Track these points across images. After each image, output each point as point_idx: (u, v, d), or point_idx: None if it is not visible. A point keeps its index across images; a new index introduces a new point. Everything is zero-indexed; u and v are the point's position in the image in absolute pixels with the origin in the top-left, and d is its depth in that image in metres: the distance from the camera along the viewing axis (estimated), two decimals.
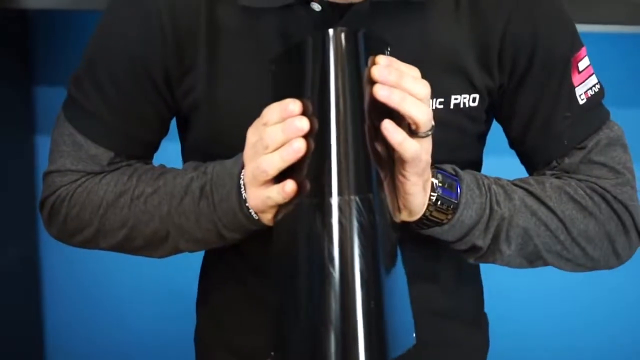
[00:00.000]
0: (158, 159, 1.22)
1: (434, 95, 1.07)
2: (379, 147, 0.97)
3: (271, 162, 0.97)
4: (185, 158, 1.19)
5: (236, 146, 1.05)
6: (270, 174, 0.97)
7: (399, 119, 0.98)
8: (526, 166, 1.22)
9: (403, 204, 1.04)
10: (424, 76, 1.04)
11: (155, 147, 1.20)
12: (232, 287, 1.22)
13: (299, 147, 0.95)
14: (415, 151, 0.98)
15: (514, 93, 1.15)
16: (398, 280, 0.98)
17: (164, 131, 1.18)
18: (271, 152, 0.96)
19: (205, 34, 1.09)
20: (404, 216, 1.05)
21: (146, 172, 1.13)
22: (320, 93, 0.95)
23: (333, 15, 1.08)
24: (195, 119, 1.14)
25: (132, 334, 2.19)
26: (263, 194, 0.99)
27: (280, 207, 1.00)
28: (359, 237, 0.92)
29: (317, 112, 0.95)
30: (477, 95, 1.13)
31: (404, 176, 1.01)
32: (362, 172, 0.95)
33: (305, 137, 0.95)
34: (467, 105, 1.13)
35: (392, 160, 0.99)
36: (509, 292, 2.06)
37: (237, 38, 1.09)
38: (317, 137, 0.95)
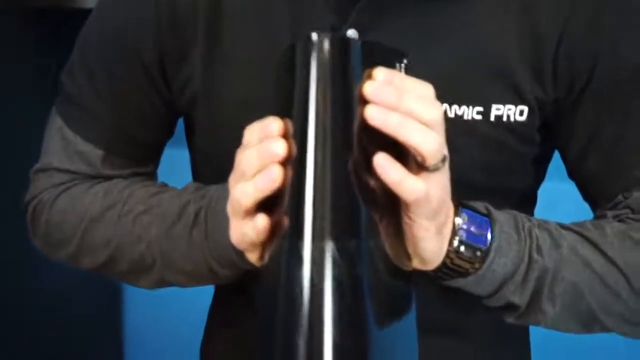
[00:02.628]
0: (164, 169, 1.10)
1: (471, 102, 0.94)
2: (374, 181, 0.80)
3: (245, 190, 0.82)
4: (193, 173, 1.07)
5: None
6: (244, 205, 0.82)
7: (402, 148, 0.81)
8: (588, 202, 1.03)
9: (412, 250, 0.86)
10: (456, 79, 0.92)
11: (154, 151, 1.07)
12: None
13: (273, 176, 0.79)
14: (420, 191, 0.80)
15: (572, 110, 0.97)
16: (399, 341, 0.83)
17: (164, 132, 1.06)
18: (247, 179, 0.82)
19: (205, 16, 0.97)
20: (416, 264, 0.88)
21: (142, 188, 1.02)
22: (301, 113, 0.80)
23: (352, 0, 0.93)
24: (195, 117, 1.01)
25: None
26: (240, 228, 0.84)
27: (264, 246, 0.84)
28: (334, 295, 0.76)
29: (297, 135, 0.80)
30: (525, 108, 0.96)
31: (410, 218, 0.83)
32: (343, 213, 0.78)
33: (286, 164, 0.80)
34: (512, 119, 0.96)
35: (393, 197, 0.82)
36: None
37: (242, 22, 0.97)
38: (295, 167, 0.80)
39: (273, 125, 0.80)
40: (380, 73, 0.80)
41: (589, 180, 1.00)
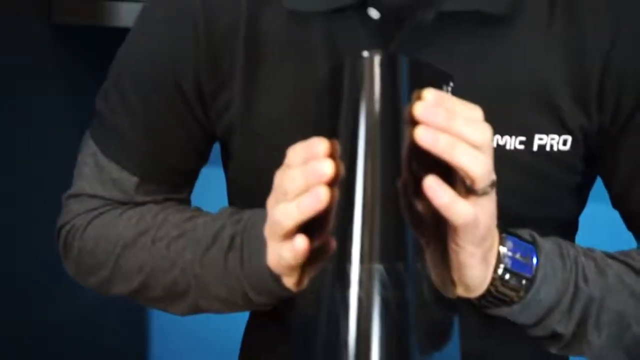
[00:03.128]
0: (200, 189, 1.09)
1: (513, 132, 0.93)
2: (421, 205, 0.79)
3: (286, 212, 0.80)
4: (229, 197, 1.05)
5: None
6: (285, 227, 0.81)
7: (450, 171, 0.81)
8: (632, 231, 1.02)
9: (457, 277, 0.85)
10: (499, 107, 0.90)
11: (191, 178, 1.06)
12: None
13: (319, 197, 0.78)
14: (469, 215, 0.80)
15: (618, 138, 0.96)
16: None
17: (200, 159, 1.05)
18: (290, 200, 0.80)
19: (244, 43, 0.96)
20: (461, 291, 0.87)
21: (175, 213, 1.00)
22: (350, 133, 0.79)
23: (394, 25, 0.92)
24: (232, 145, 1.00)
25: None
26: (278, 251, 0.83)
27: (304, 270, 0.83)
28: (381, 317, 0.76)
29: (345, 156, 0.79)
30: (569, 137, 0.94)
31: (457, 244, 0.82)
32: (392, 236, 0.78)
33: (332, 185, 0.79)
34: (555, 149, 0.94)
35: (440, 222, 0.81)
36: None
37: (281, 49, 0.95)
38: (342, 188, 0.79)
39: (319, 145, 0.79)
40: (430, 94, 0.79)
41: (633, 212, 0.99)
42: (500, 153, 0.90)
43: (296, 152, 0.81)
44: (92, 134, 1.03)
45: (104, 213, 1.02)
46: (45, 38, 1.61)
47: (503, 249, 0.88)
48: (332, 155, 0.79)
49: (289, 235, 0.81)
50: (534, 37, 0.92)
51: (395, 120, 0.79)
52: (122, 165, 1.01)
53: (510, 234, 0.89)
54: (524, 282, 0.88)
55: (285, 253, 0.81)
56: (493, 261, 0.87)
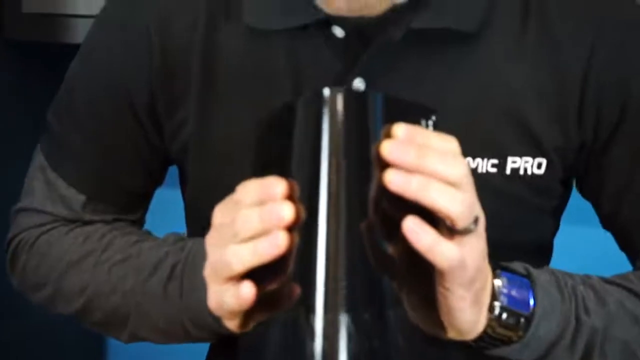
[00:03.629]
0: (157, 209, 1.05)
1: (485, 154, 0.89)
2: (397, 248, 0.74)
3: (239, 255, 0.74)
4: (187, 220, 1.01)
5: None
6: (235, 270, 0.75)
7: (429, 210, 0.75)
8: (625, 252, 0.97)
9: (448, 321, 0.79)
10: (470, 128, 0.87)
11: (142, 199, 1.02)
12: None
13: (278, 242, 0.73)
14: (454, 258, 0.74)
15: (602, 155, 0.91)
16: None
17: (152, 181, 1.01)
18: (241, 241, 0.74)
19: (201, 60, 0.92)
20: (453, 335, 0.81)
21: (122, 236, 0.97)
22: (309, 174, 0.73)
23: (360, 44, 0.88)
24: (187, 166, 0.96)
25: None
26: (220, 295, 0.77)
27: (249, 314, 0.77)
28: None
29: (304, 198, 0.74)
30: (543, 160, 0.90)
31: (444, 287, 0.77)
32: (358, 284, 0.73)
33: (290, 229, 0.73)
34: (529, 172, 0.90)
35: (421, 265, 0.75)
36: None
37: (240, 67, 0.91)
38: (303, 232, 0.73)
39: (277, 186, 0.74)
40: (400, 129, 0.74)
41: (625, 231, 0.95)
42: (472, 176, 0.87)
43: (249, 190, 0.75)
44: (42, 147, 1.00)
45: (52, 230, 0.99)
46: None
47: (497, 285, 0.83)
48: (290, 197, 0.74)
49: (234, 278, 0.75)
50: (506, 51, 0.89)
51: (363, 162, 0.73)
52: (70, 183, 0.98)
53: (503, 268, 0.84)
54: (522, 320, 0.83)
55: (228, 299, 0.75)
56: (486, 301, 0.82)
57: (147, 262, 0.92)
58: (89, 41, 0.99)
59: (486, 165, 0.89)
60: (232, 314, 0.77)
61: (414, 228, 0.72)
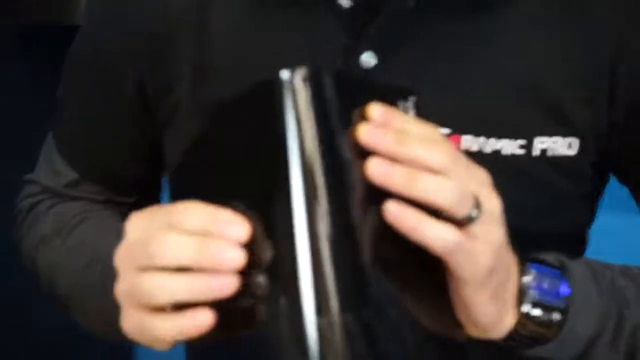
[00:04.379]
0: None
1: (510, 135, 0.82)
2: (388, 244, 0.67)
3: (166, 287, 0.67)
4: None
5: None
6: (160, 302, 0.67)
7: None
8: None
9: (464, 317, 0.73)
10: (493, 106, 0.81)
11: (136, 184, 0.97)
12: None
13: (227, 287, 0.65)
14: (448, 238, 0.67)
15: (635, 135, 0.85)
16: None
17: (144, 167, 0.96)
18: (161, 268, 0.67)
19: (194, 34, 0.87)
20: (475, 333, 0.75)
21: (97, 219, 0.94)
22: (279, 171, 0.65)
23: (368, 14, 0.82)
24: (172, 143, 0.90)
25: None
26: (145, 322, 0.69)
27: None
28: None
29: (273, 197, 0.66)
30: (574, 140, 0.83)
31: (455, 280, 0.70)
32: (352, 282, 0.66)
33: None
34: (559, 154, 0.83)
35: (423, 255, 0.69)
36: None
37: (239, 42, 0.85)
38: (280, 240, 0.66)
39: (235, 228, 0.66)
40: (375, 111, 0.67)
41: None
42: (495, 159, 0.82)
43: (194, 216, 0.67)
44: (52, 124, 0.99)
45: (40, 202, 0.98)
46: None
47: (526, 280, 0.76)
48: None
49: (159, 308, 0.67)
50: (532, 21, 0.82)
51: (334, 152, 0.66)
52: (65, 158, 0.96)
53: (532, 259, 0.78)
54: (555, 315, 0.76)
55: (166, 330, 0.67)
56: (511, 295, 0.75)
57: (90, 251, 0.88)
58: (85, 24, 0.96)
59: (512, 147, 0.82)
60: (162, 342, 0.69)
61: (394, 211, 0.66)
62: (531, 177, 0.83)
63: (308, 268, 0.64)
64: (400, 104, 0.70)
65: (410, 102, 0.70)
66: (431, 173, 0.67)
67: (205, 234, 0.66)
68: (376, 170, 0.65)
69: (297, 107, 0.65)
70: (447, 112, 0.81)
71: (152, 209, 0.70)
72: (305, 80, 0.65)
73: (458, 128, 0.81)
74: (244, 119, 0.68)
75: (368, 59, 0.81)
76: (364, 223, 0.66)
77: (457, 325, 0.73)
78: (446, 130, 0.81)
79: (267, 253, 0.66)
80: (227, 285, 0.65)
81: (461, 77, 0.81)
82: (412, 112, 0.70)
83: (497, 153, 0.82)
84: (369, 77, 0.72)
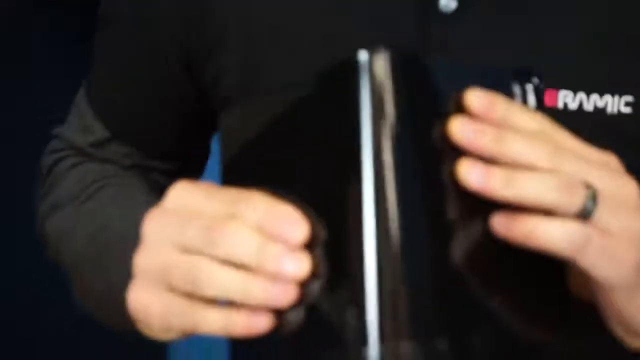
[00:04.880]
0: None
1: (617, 90, 0.73)
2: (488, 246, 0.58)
3: (222, 282, 0.59)
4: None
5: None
6: (206, 293, 0.59)
7: None
8: None
9: (622, 329, 0.63)
10: (597, 58, 0.73)
11: (173, 151, 0.92)
12: None
13: (287, 297, 0.58)
14: (572, 232, 0.58)
15: None
16: None
17: (183, 134, 0.90)
18: (227, 265, 0.59)
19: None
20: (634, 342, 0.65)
21: (119, 183, 0.89)
22: (349, 166, 0.57)
23: None
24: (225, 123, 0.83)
25: None
26: (181, 307, 0.61)
27: None
28: None
29: (337, 195, 0.57)
30: None
31: (602, 286, 0.61)
32: (431, 302, 0.58)
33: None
34: None
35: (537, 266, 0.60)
36: None
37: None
38: (344, 246, 0.57)
39: (297, 229, 0.58)
40: (474, 99, 0.58)
41: None
42: (599, 118, 0.73)
43: (253, 204, 0.60)
44: (86, 77, 0.94)
45: (64, 159, 0.93)
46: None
47: None
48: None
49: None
50: None
51: (416, 149, 0.58)
52: (97, 113, 0.91)
53: None
54: None
55: (205, 319, 0.60)
56: None
57: (102, 218, 0.82)
58: None
59: (618, 104, 0.74)
60: (185, 331, 0.62)
61: (504, 223, 0.58)
62: None
63: (373, 283, 0.56)
64: (516, 87, 0.61)
65: (530, 85, 0.61)
66: (531, 171, 0.58)
67: (269, 231, 0.58)
68: (470, 178, 0.57)
69: (374, 94, 0.57)
70: (538, 64, 0.70)
71: (208, 185, 0.62)
72: (386, 62, 0.57)
73: (552, 82, 0.73)
74: (315, 103, 0.59)
75: (448, 2, 0.73)
76: (454, 231, 0.58)
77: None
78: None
79: (324, 260, 0.58)
80: (285, 296, 0.58)
81: (555, 24, 0.72)
82: (532, 98, 0.61)
83: (601, 111, 0.73)
84: (472, 60, 0.65)
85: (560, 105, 0.73)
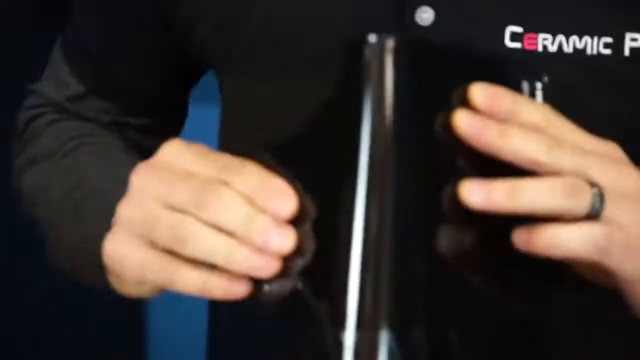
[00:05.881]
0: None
1: (596, 31, 0.72)
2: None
3: (207, 245, 0.59)
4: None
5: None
6: (191, 254, 0.60)
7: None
8: None
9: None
10: (568, 5, 0.72)
11: (151, 105, 0.90)
12: None
13: (269, 268, 0.58)
14: (596, 237, 0.58)
15: None
16: None
17: (160, 87, 0.89)
18: (210, 227, 0.59)
19: None
20: None
21: (97, 142, 0.86)
22: (347, 151, 0.57)
23: None
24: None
25: None
26: (161, 262, 0.61)
27: None
28: None
29: (330, 184, 0.58)
30: None
31: (631, 284, 0.61)
32: (413, 292, 0.58)
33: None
34: None
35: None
36: None
37: None
38: (332, 227, 0.58)
39: (286, 204, 0.58)
40: (479, 93, 0.57)
41: None
42: (578, 60, 0.72)
43: (244, 176, 0.60)
44: (63, 31, 0.92)
45: (42, 115, 0.91)
46: None
47: None
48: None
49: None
50: None
51: (417, 140, 0.58)
52: (72, 68, 0.89)
53: None
54: None
55: (185, 278, 0.60)
56: None
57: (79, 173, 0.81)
58: None
59: (597, 46, 0.72)
60: (154, 288, 0.63)
61: (522, 237, 0.58)
62: (622, 83, 0.73)
63: (357, 267, 0.57)
64: (525, 84, 0.61)
65: (539, 84, 0.61)
66: (532, 179, 0.58)
67: (258, 202, 0.58)
68: (473, 199, 0.57)
69: (380, 81, 0.57)
70: (516, 7, 0.72)
71: (202, 147, 0.62)
72: (396, 47, 0.57)
73: (531, 26, 0.72)
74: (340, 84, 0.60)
75: (425, 14, 0.73)
76: (441, 225, 0.59)
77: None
78: (519, 29, 0.72)
79: (311, 238, 0.59)
80: (267, 267, 0.58)
81: None
82: (540, 97, 0.61)
83: (580, 52, 0.72)
84: (483, 52, 0.65)
85: (539, 48, 0.72)
